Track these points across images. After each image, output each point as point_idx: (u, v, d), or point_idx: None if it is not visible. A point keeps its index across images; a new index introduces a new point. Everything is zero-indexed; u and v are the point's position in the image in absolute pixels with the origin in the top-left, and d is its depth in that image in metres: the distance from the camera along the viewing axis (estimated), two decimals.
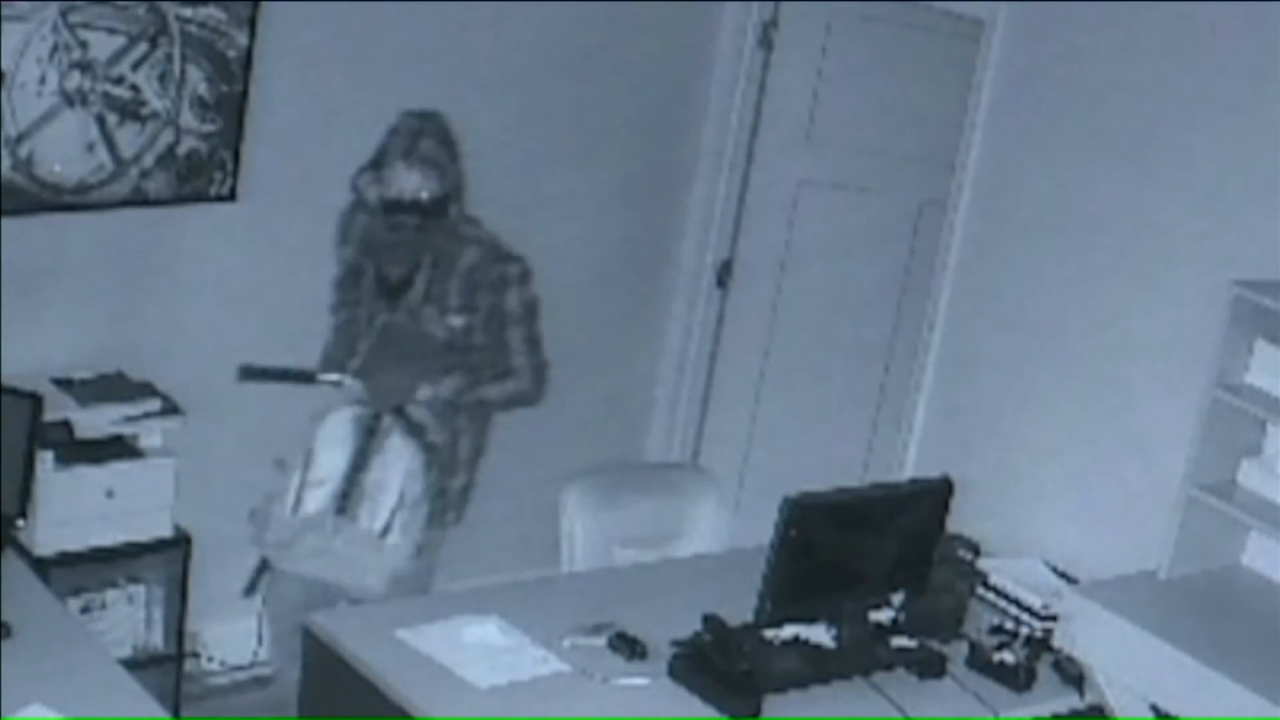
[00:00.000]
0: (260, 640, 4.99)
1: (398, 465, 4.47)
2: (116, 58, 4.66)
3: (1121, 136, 4.80)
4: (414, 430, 4.51)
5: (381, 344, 4.58)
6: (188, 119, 4.83)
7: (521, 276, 4.59)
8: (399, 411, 4.51)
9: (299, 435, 4.56)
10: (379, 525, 4.46)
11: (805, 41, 5.86)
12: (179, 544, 4.82)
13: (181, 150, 4.85)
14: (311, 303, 4.82)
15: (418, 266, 4.53)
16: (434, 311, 4.53)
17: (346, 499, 4.47)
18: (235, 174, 4.95)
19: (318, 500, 4.48)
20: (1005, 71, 5.11)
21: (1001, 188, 5.14)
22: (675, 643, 3.95)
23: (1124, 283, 4.80)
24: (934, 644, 4.19)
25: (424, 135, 4.47)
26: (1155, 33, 4.71)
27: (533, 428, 5.81)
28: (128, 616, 4.79)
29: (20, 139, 4.57)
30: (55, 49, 4.55)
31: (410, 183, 4.43)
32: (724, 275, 6.05)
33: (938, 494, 4.26)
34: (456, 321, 4.54)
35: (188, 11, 4.73)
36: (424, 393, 4.52)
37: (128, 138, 4.75)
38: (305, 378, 4.58)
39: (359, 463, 4.48)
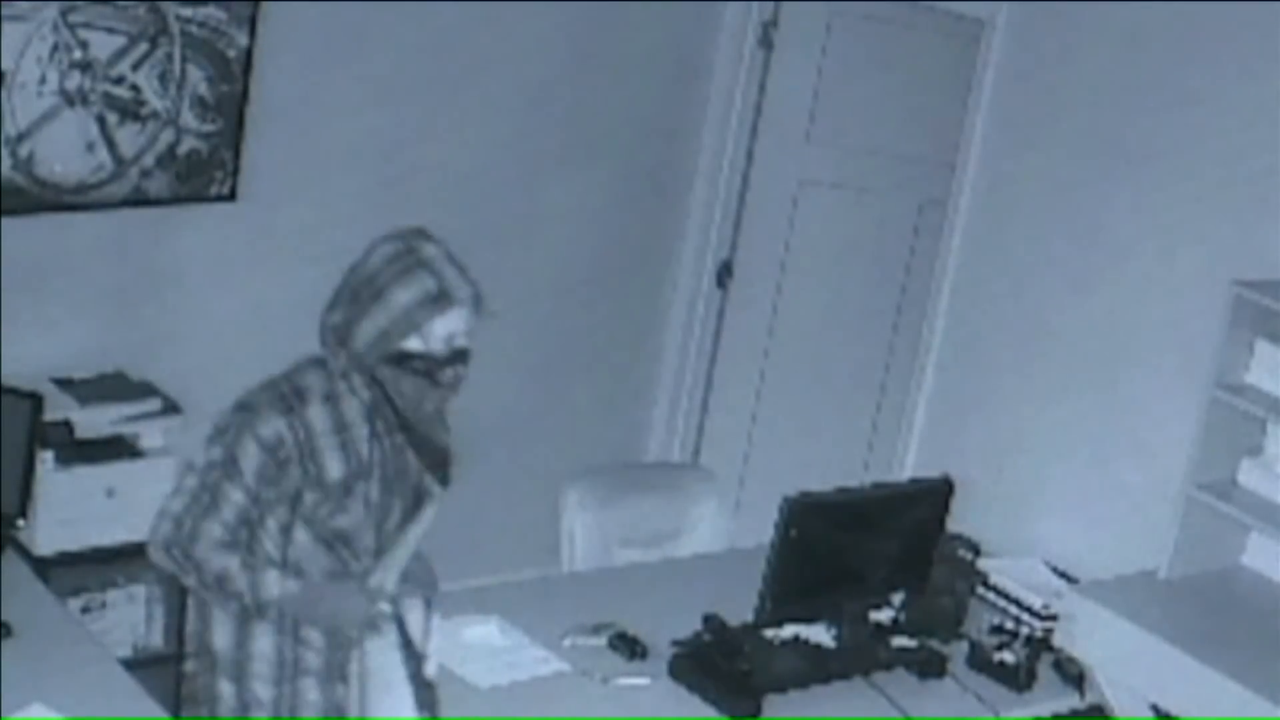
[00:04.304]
0: None
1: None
2: (117, 58, 4.66)
3: (1121, 136, 4.80)
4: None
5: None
6: (188, 119, 4.83)
7: None
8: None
9: None
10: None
11: (805, 41, 5.86)
12: None
13: (182, 150, 4.85)
14: (312, 303, 4.81)
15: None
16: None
17: None
18: (235, 174, 4.94)
19: None
20: (1005, 71, 5.11)
21: (1001, 188, 5.14)
22: (675, 643, 3.95)
23: (1124, 282, 4.80)
24: (934, 644, 4.19)
25: (456, 258, 3.37)
26: (1155, 33, 4.71)
27: (533, 427, 5.82)
28: (128, 616, 4.79)
29: (20, 139, 4.57)
30: (55, 49, 4.55)
31: (472, 319, 3.35)
32: (724, 275, 6.05)
33: (938, 494, 4.26)
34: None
35: (188, 11, 4.72)
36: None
37: (128, 138, 4.75)
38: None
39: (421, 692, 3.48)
